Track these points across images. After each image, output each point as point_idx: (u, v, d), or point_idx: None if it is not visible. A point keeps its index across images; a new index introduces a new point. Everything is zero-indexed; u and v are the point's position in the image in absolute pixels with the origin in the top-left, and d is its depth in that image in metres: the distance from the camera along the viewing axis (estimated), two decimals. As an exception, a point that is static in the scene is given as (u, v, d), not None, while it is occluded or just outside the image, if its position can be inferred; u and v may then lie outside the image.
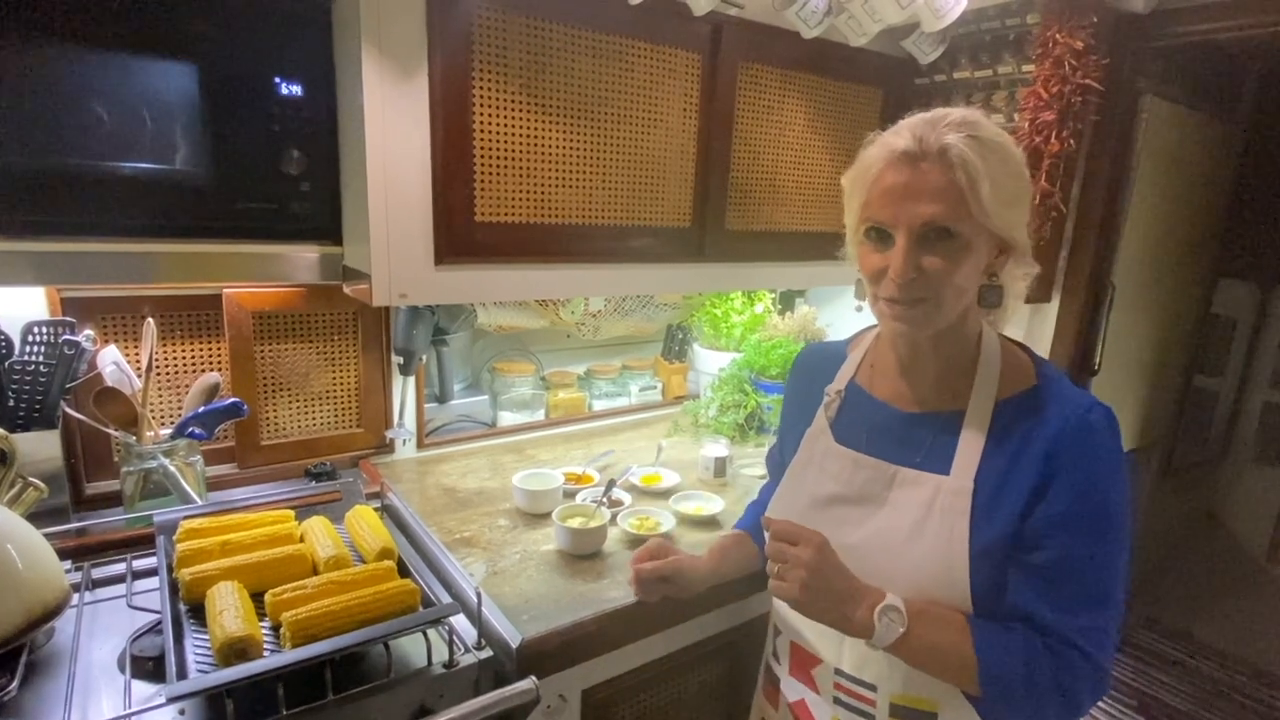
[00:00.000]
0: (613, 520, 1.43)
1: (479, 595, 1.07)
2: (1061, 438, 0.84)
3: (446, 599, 1.13)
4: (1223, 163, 2.36)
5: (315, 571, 1.13)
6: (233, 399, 1.38)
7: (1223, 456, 2.83)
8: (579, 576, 1.28)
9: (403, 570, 1.15)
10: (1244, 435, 2.81)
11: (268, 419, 1.60)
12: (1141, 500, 2.56)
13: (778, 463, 1.16)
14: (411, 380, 1.73)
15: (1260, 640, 2.51)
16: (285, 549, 1.13)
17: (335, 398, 1.68)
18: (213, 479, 1.53)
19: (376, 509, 1.46)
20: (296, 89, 1.31)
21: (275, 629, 1.00)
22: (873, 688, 0.95)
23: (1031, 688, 0.82)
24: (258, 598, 1.05)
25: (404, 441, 1.76)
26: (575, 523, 1.36)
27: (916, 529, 0.89)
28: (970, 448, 0.88)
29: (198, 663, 0.96)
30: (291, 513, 1.27)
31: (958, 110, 0.84)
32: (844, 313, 2.30)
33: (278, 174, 1.33)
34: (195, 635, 1.01)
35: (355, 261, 1.37)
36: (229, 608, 0.97)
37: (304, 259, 1.46)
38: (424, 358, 1.71)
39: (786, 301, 2.42)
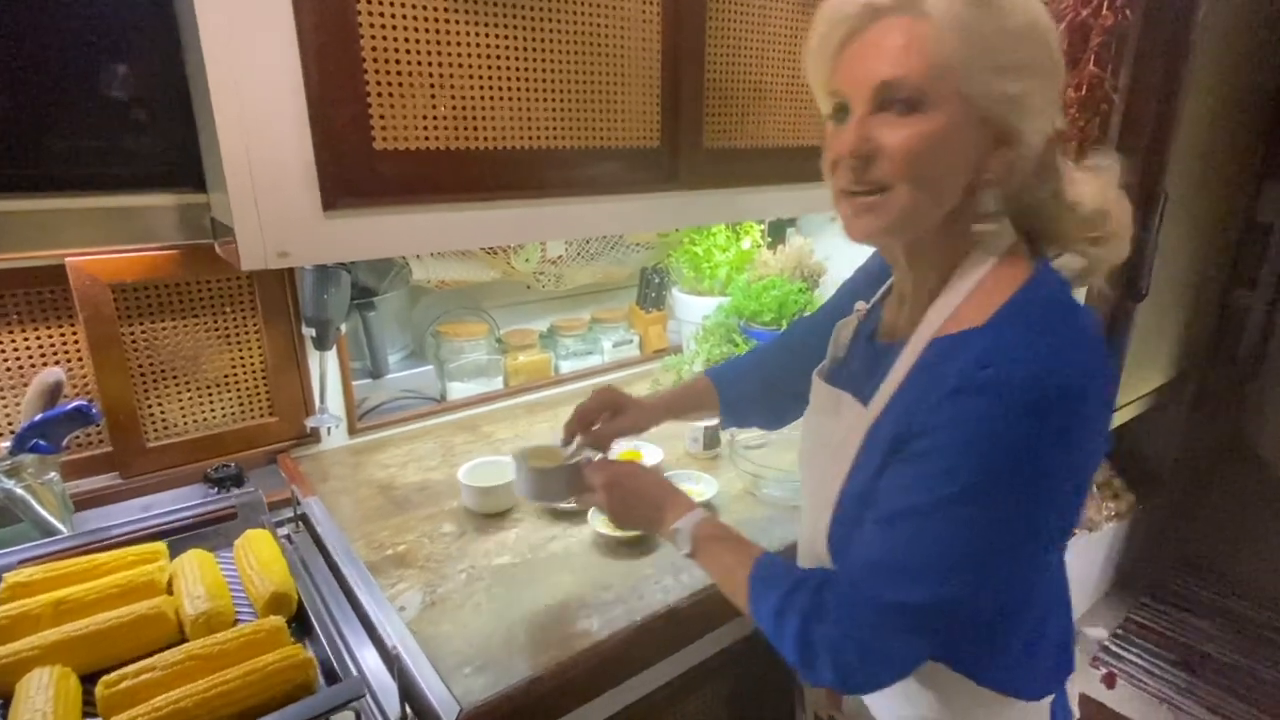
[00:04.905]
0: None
1: (396, 658, 0.79)
2: (939, 391, 0.65)
3: (365, 656, 0.86)
4: (1273, 46, 2.03)
5: (182, 637, 0.85)
6: (76, 402, 1.07)
7: (1253, 377, 2.61)
8: (540, 601, 1.01)
9: (302, 623, 0.88)
10: (1276, 353, 2.57)
11: (152, 416, 1.29)
12: (1173, 434, 2.33)
13: (800, 328, 1.09)
14: (332, 355, 1.42)
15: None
16: (138, 607, 0.85)
17: (237, 383, 1.37)
18: (87, 494, 1.23)
19: (290, 520, 1.18)
20: (111, -22, 0.96)
21: (114, 730, 0.72)
22: None
23: (779, 627, 0.71)
24: (95, 681, 0.77)
25: (330, 429, 1.46)
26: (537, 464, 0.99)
27: (825, 461, 0.79)
28: (889, 385, 0.73)
29: (-5, 795, 0.69)
30: (163, 546, 0.99)
31: None
32: (841, 242, 1.99)
33: (101, 99, 1.00)
34: (-1, 750, 0.73)
35: (221, 212, 1.05)
36: (37, 712, 0.69)
37: (157, 212, 1.14)
38: (343, 327, 1.40)
39: (775, 233, 2.11)
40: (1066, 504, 0.67)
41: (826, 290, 1.91)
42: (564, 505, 1.23)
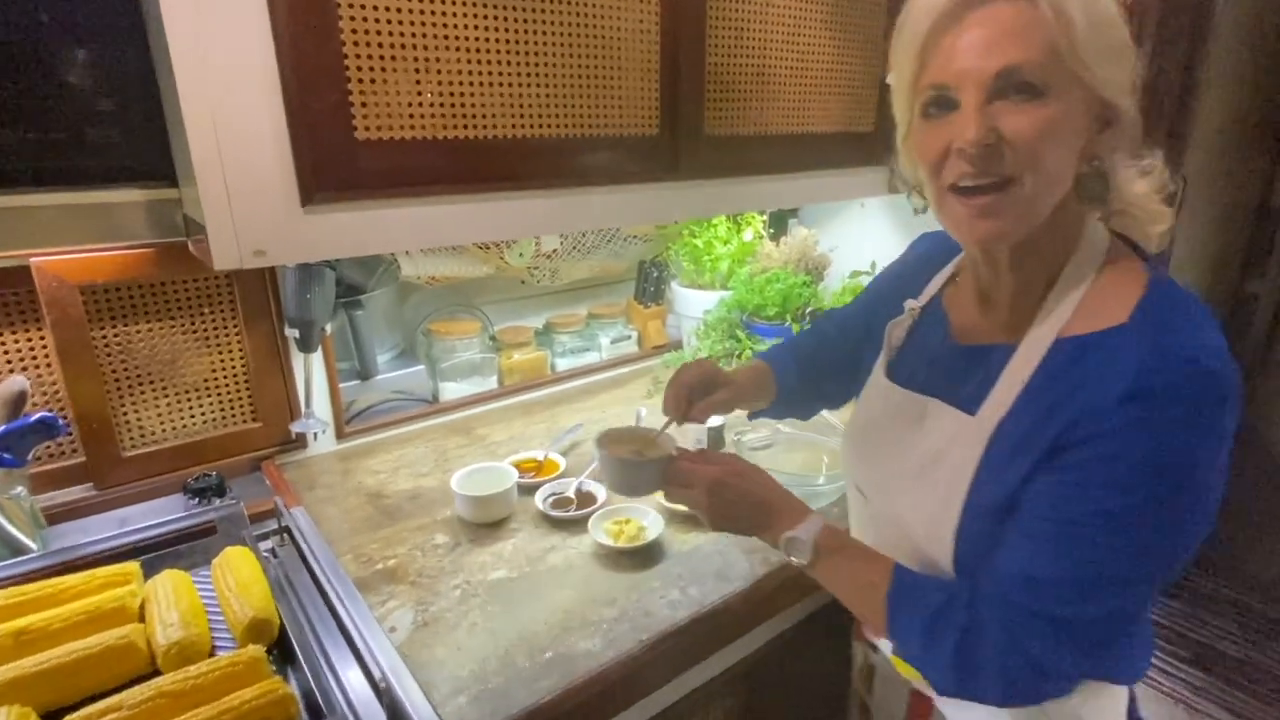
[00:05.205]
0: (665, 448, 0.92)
1: (386, 690, 0.73)
2: (1103, 397, 0.61)
3: (352, 682, 0.80)
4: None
5: (154, 668, 0.79)
6: (41, 414, 1.00)
7: (1262, 368, 2.56)
8: (538, 619, 0.95)
9: (285, 650, 0.82)
10: (1284, 341, 2.52)
11: (127, 423, 1.23)
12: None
13: (832, 322, 1.06)
14: (318, 356, 1.36)
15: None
16: (105, 637, 0.78)
17: (218, 388, 1.31)
18: (60, 507, 1.17)
19: (274, 532, 1.12)
20: (66, -45, 0.89)
21: (78, 775, 0.66)
22: None
23: (930, 645, 0.68)
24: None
25: (316, 434, 1.40)
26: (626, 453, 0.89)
27: (925, 470, 0.75)
28: (1007, 388, 0.69)
29: None
30: (135, 567, 0.92)
31: None
32: (848, 232, 1.94)
33: (60, 87, 0.93)
34: (-51, 801, 0.67)
35: (193, 208, 0.98)
36: (-9, 761, 0.63)
37: (127, 208, 1.07)
38: (328, 327, 1.33)
39: (777, 224, 2.04)
40: (1219, 498, 0.65)
41: (832, 283, 1.85)
42: (587, 515, 1.17)
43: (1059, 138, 0.63)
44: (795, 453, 1.38)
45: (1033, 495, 0.65)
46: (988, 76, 0.62)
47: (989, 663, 0.65)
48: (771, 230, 1.95)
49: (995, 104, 0.62)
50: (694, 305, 1.79)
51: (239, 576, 0.88)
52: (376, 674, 0.79)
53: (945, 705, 0.84)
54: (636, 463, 0.86)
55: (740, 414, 1.47)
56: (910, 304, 0.87)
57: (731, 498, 0.80)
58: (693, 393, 0.92)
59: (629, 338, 1.90)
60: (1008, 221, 0.65)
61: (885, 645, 0.91)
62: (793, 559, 0.76)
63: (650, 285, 1.89)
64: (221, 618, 0.87)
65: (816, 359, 1.03)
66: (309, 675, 0.79)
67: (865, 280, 1.71)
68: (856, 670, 1.01)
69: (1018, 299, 0.72)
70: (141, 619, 0.84)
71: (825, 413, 1.52)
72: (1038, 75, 0.61)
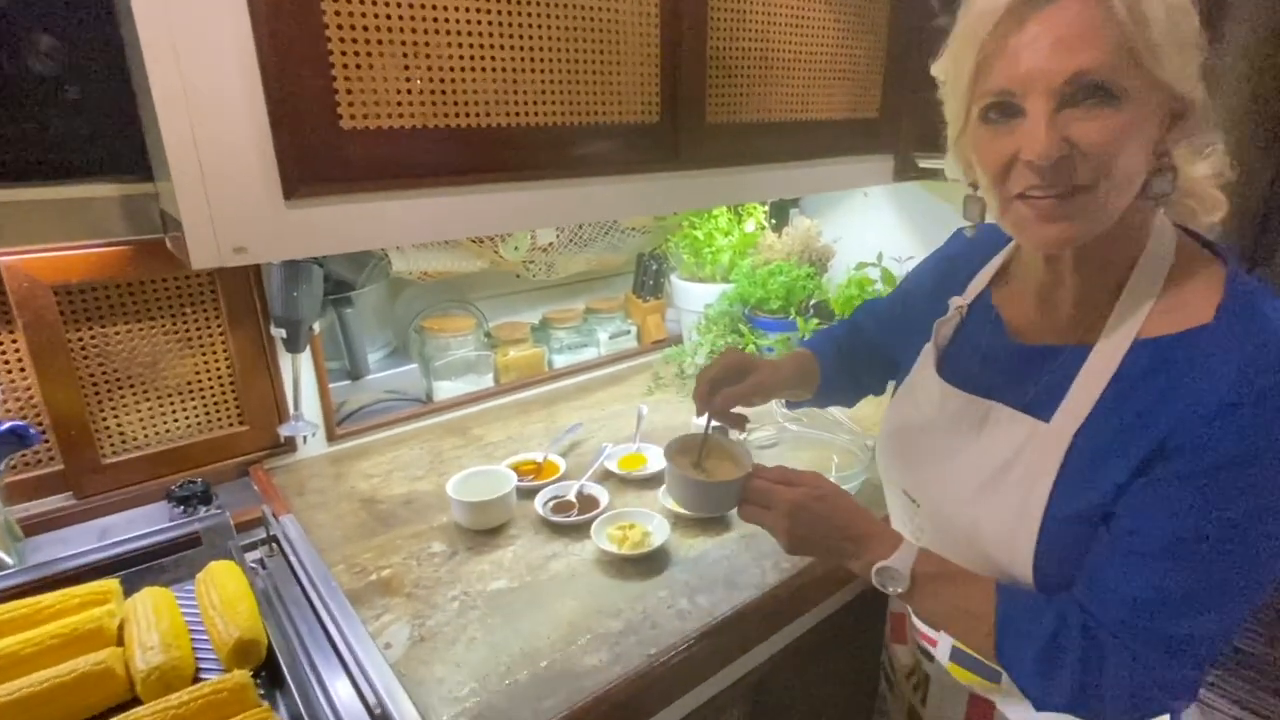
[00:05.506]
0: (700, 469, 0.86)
1: (381, 716, 0.69)
2: (1206, 403, 0.58)
3: (344, 704, 0.75)
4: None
5: (133, 695, 0.74)
6: (12, 423, 0.95)
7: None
8: (541, 632, 0.91)
9: (273, 672, 0.77)
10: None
11: (107, 429, 1.17)
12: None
13: (868, 316, 1.05)
14: (306, 356, 1.30)
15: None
16: (80, 663, 0.73)
17: (202, 390, 1.25)
18: (39, 518, 1.12)
19: (262, 541, 1.07)
20: (27, -68, 0.83)
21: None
22: None
23: (1047, 674, 0.65)
24: (30, 755, 0.66)
25: (306, 437, 1.35)
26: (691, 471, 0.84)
27: (994, 479, 0.72)
28: (1084, 394, 0.66)
29: None
30: (114, 585, 0.87)
31: None
32: (850, 222, 1.89)
33: (24, 75, 0.87)
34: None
35: (169, 203, 0.93)
36: (-47, 804, 0.59)
37: (100, 204, 1.02)
38: (317, 325, 1.27)
39: (778, 214, 1.99)
40: None
41: (836, 275, 1.80)
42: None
43: (1134, 143, 0.59)
44: (802, 451, 1.33)
45: (1136, 508, 0.62)
46: (1057, 83, 0.58)
47: (1114, 688, 0.63)
48: (773, 221, 1.90)
49: (1065, 112, 0.58)
50: (694, 299, 1.74)
51: (224, 593, 0.84)
52: (370, 696, 0.74)
53: (1008, 708, 0.80)
54: (711, 484, 0.80)
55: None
56: (956, 301, 0.83)
57: (812, 520, 0.75)
58: (716, 383, 0.88)
59: (628, 333, 1.85)
60: (1083, 225, 0.61)
61: (942, 650, 0.87)
62: (887, 589, 0.72)
63: (649, 279, 1.84)
64: (206, 638, 0.83)
65: (855, 348, 1.02)
66: (298, 699, 0.74)
67: (871, 271, 1.67)
68: (902, 677, 0.97)
69: (1083, 300, 0.70)
70: (120, 641, 0.80)
71: (833, 410, 1.48)
72: (1111, 78, 0.57)
